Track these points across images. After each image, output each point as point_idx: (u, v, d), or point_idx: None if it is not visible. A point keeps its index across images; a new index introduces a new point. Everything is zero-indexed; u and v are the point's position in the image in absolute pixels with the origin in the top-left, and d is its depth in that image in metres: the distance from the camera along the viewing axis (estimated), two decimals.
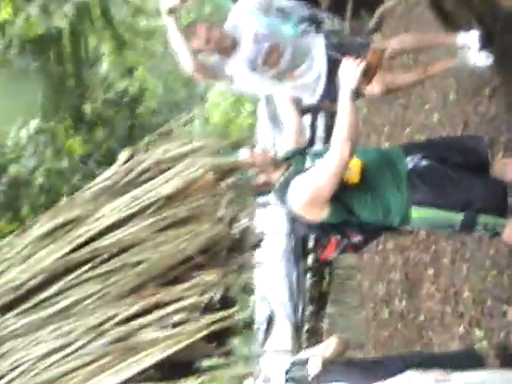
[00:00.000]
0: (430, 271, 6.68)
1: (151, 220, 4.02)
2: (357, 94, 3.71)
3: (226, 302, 3.82)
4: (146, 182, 4.28)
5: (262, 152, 3.97)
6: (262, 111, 11.53)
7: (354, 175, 3.82)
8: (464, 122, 6.12)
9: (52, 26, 4.73)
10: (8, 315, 3.79)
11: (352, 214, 3.89)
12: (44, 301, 3.82)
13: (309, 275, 11.17)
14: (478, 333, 5.43)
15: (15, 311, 3.81)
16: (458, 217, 3.82)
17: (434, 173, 3.92)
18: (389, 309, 7.70)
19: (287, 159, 4.12)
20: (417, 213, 3.86)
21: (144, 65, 14.79)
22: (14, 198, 11.06)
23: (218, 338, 3.72)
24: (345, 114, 3.62)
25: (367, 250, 8.40)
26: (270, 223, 9.44)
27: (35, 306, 3.81)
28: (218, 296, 3.72)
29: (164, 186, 4.17)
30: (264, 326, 10.97)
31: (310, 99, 4.80)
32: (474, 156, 4.10)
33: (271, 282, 10.88)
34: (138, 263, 3.87)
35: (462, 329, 5.74)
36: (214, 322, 3.56)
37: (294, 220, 4.06)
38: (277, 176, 3.97)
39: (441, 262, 6.44)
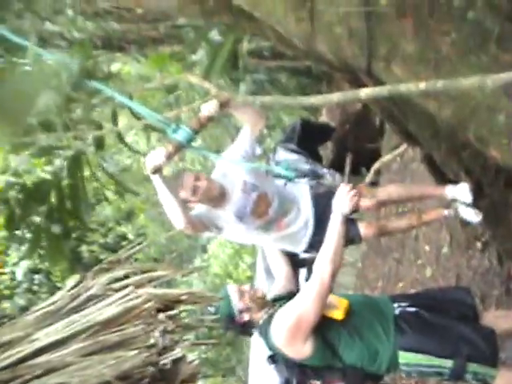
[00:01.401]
0: None
1: (81, 345, 4.02)
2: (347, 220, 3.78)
3: None
4: (90, 307, 4.29)
5: (250, 289, 3.95)
6: (259, 263, 11.54)
7: (339, 311, 3.81)
8: (457, 276, 6.12)
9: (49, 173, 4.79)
10: None
11: (336, 357, 3.81)
12: None
13: None
14: None
15: None
16: (447, 364, 3.75)
17: (421, 319, 3.89)
18: None
19: (275, 300, 4.09)
20: (404, 358, 3.80)
21: (146, 213, 14.94)
22: None
23: None
24: (332, 238, 3.68)
25: None
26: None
27: None
28: None
29: (102, 311, 4.17)
30: None
31: (297, 249, 4.78)
32: (463, 307, 4.08)
33: None
34: None
35: None
36: None
37: (276, 361, 3.95)
38: (260, 316, 3.94)
39: None
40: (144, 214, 14.98)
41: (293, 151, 9.40)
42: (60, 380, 3.82)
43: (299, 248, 4.71)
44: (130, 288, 4.20)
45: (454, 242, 6.30)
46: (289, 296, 4.13)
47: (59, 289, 12.59)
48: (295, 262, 9.26)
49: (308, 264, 9.93)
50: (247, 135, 4.49)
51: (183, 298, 4.26)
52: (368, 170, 9.49)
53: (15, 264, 11.66)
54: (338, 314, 3.81)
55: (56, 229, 4.98)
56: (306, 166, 11.32)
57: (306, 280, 11.08)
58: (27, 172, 5.21)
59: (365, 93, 3.02)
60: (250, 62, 8.66)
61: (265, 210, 4.49)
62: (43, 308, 4.31)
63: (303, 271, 11.21)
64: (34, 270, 11.85)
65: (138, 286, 4.27)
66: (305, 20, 3.87)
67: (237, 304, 3.90)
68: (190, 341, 4.11)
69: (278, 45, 4.59)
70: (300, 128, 10.37)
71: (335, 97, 3.48)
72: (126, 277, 4.42)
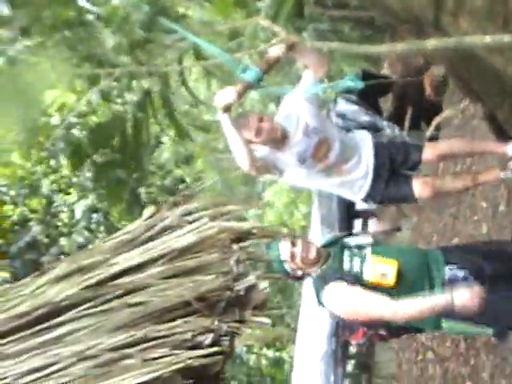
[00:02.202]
0: None
1: (160, 269, 4.25)
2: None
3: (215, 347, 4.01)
4: (165, 236, 4.51)
5: (302, 251, 4.04)
6: (315, 213, 11.60)
7: (390, 279, 3.87)
8: None
9: (116, 113, 4.86)
10: (6, 339, 4.06)
11: None
12: (41, 330, 4.18)
13: (347, 382, 10.96)
14: None
15: (14, 336, 4.15)
16: (488, 330, 3.90)
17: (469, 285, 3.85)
18: None
19: (325, 246, 4.18)
20: (447, 325, 3.90)
21: (204, 158, 15.05)
22: None
23: (199, 379, 3.95)
24: (423, 306, 3.63)
25: (406, 360, 8.26)
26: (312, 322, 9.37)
27: (33, 333, 4.16)
28: (208, 341, 4.00)
29: (178, 240, 4.38)
30: None
31: (355, 197, 4.79)
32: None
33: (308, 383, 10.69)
34: (137, 304, 4.18)
35: None
36: (190, 359, 3.84)
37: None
38: (313, 270, 4.08)
39: (480, 376, 6.29)
40: (202, 159, 15.10)
41: (353, 102, 9.35)
42: (141, 299, 4.09)
43: (358, 196, 4.73)
44: (205, 220, 4.38)
45: (511, 200, 6.27)
46: (338, 241, 4.21)
47: (117, 229, 12.91)
48: (350, 213, 9.33)
49: (363, 216, 10.00)
50: (309, 78, 4.50)
51: (254, 231, 4.41)
52: (428, 124, 9.45)
53: (74, 203, 11.92)
54: (389, 282, 3.87)
55: (118, 173, 5.10)
56: (365, 118, 11.26)
57: (362, 228, 11.15)
58: (92, 112, 5.31)
59: (431, 44, 3.03)
60: (315, 10, 8.60)
61: (325, 155, 4.50)
62: (119, 236, 4.52)
63: (358, 222, 11.28)
64: (92, 209, 12.09)
65: (212, 218, 4.45)
66: None
67: (288, 265, 4.06)
68: (260, 271, 4.29)
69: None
70: (361, 79, 10.33)
71: (401, 46, 3.50)
72: (199, 210, 4.58)
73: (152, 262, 4.32)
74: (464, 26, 3.99)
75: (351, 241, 4.18)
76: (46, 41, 3.96)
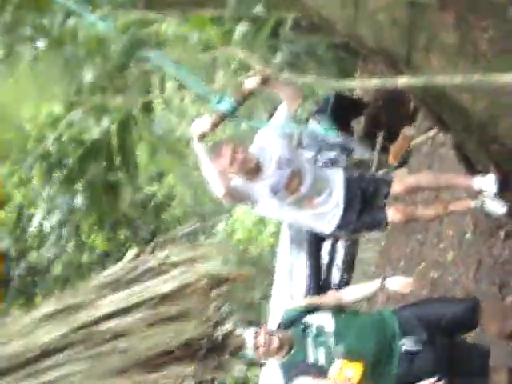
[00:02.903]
0: None
1: (144, 314, 4.40)
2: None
3: None
4: (147, 280, 4.66)
5: (265, 342, 4.16)
6: (285, 232, 11.66)
7: (354, 380, 4.03)
8: (478, 262, 6.19)
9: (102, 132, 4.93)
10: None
11: None
12: (35, 372, 4.25)
13: None
14: None
15: (7, 378, 4.19)
16: None
17: (422, 361, 4.13)
18: None
19: (287, 324, 4.34)
20: None
21: (175, 173, 15.07)
22: (30, 284, 11.20)
23: None
24: None
25: None
26: None
27: (26, 376, 4.23)
28: None
29: (161, 286, 4.53)
30: None
31: (326, 228, 4.86)
32: (463, 327, 4.48)
33: None
34: (125, 350, 4.30)
35: None
36: None
37: None
38: (279, 356, 4.21)
39: None
40: (173, 173, 15.12)
41: (325, 128, 9.49)
42: (128, 345, 4.23)
43: (328, 228, 4.81)
44: (185, 266, 4.54)
45: (477, 229, 6.37)
46: (301, 318, 4.35)
47: (85, 243, 12.89)
48: (319, 235, 9.39)
49: (332, 237, 10.06)
50: (284, 112, 4.58)
51: (232, 276, 4.59)
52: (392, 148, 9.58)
53: (44, 218, 11.86)
54: (352, 382, 4.02)
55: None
56: (337, 139, 11.41)
57: (330, 253, 11.21)
58: (83, 130, 5.35)
59: (402, 82, 3.12)
60: (290, 33, 8.69)
61: (297, 187, 4.58)
62: (103, 277, 4.67)
63: (327, 244, 11.34)
64: (61, 223, 12.04)
65: (190, 262, 4.62)
66: (349, 6, 3.96)
67: (252, 353, 4.18)
68: (237, 317, 4.48)
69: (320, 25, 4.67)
70: (334, 101, 10.42)
71: (373, 83, 3.61)
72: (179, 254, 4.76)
73: (135, 306, 4.45)
74: (435, 62, 4.10)
75: (313, 321, 4.27)
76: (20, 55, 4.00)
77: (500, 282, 5.71)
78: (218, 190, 4.37)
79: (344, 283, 11.41)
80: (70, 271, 11.17)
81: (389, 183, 4.80)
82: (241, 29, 6.52)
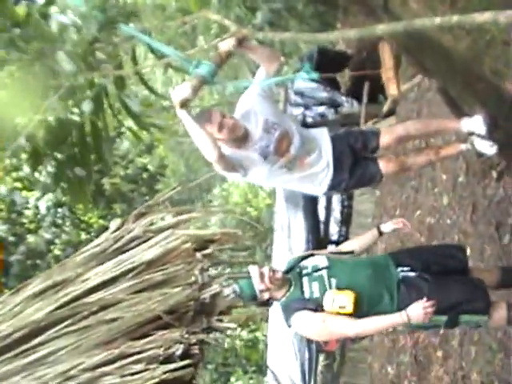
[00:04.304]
0: (439, 353, 6.68)
1: (130, 283, 4.45)
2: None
3: (187, 358, 4.30)
4: (132, 248, 4.69)
5: (269, 271, 4.18)
6: (280, 192, 11.68)
7: (348, 309, 4.08)
8: (473, 204, 6.21)
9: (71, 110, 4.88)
10: None
11: None
12: (25, 351, 4.36)
13: (321, 357, 11.11)
14: None
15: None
16: (442, 319, 4.21)
17: (422, 283, 4.24)
18: None
19: (286, 272, 4.36)
20: None
21: (165, 144, 15.01)
22: (29, 268, 11.20)
23: None
24: (382, 323, 4.08)
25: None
26: None
27: (16, 355, 4.35)
28: (179, 352, 4.27)
29: (145, 253, 4.57)
30: None
31: (318, 190, 4.82)
32: (454, 262, 4.49)
33: (283, 361, 10.82)
34: (112, 320, 4.40)
35: None
36: (166, 373, 4.14)
37: None
38: (279, 294, 4.25)
39: (449, 344, 6.44)
40: (163, 145, 15.07)
41: (311, 79, 9.40)
42: (115, 315, 4.28)
43: (320, 189, 4.75)
44: (169, 230, 4.54)
45: (470, 171, 6.37)
46: (298, 263, 4.41)
47: (82, 222, 12.91)
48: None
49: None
50: (262, 75, 4.51)
51: (217, 237, 4.58)
52: (385, 97, 9.55)
53: (38, 199, 11.85)
54: (348, 311, 4.07)
55: (78, 170, 5.11)
56: (324, 94, 11.38)
57: (326, 208, 11.23)
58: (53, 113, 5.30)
59: (381, 29, 3.07)
60: None
61: (287, 149, 4.52)
62: (89, 250, 4.66)
63: (322, 200, 11.34)
64: (57, 204, 12.03)
65: (175, 227, 4.62)
66: None
67: (258, 285, 4.17)
68: (225, 276, 4.52)
69: None
70: (317, 56, 10.37)
71: (351, 33, 3.52)
72: (163, 219, 4.77)
73: (121, 276, 4.48)
74: (413, 6, 4.05)
75: (308, 263, 4.36)
76: None
77: (496, 222, 5.73)
78: (209, 154, 4.27)
79: (343, 237, 11.47)
80: (70, 251, 11.15)
81: (377, 134, 4.75)
82: None
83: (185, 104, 4.03)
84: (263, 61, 4.44)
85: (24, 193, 11.88)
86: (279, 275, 4.20)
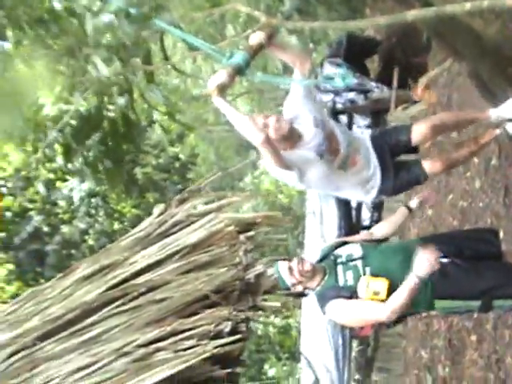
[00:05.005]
0: (473, 337, 6.68)
1: (176, 265, 4.62)
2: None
3: (235, 335, 4.55)
4: (175, 232, 4.86)
5: (298, 264, 4.21)
6: None
7: (382, 295, 4.09)
8: (505, 188, 6.19)
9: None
10: (46, 342, 4.42)
11: None
12: (79, 330, 4.62)
13: (355, 343, 11.12)
14: None
15: (53, 338, 4.57)
16: (476, 304, 4.23)
17: (454, 269, 4.27)
18: (432, 376, 7.66)
19: (321, 260, 4.42)
20: (439, 304, 4.25)
21: (196, 132, 15.06)
22: (65, 258, 11.35)
23: (224, 362, 4.49)
24: (403, 294, 3.95)
25: (411, 317, 8.39)
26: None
27: (71, 334, 4.61)
28: (227, 329, 4.52)
29: (190, 236, 4.73)
30: None
31: (367, 197, 4.71)
32: (487, 246, 4.51)
33: (317, 348, 10.85)
34: (161, 300, 4.62)
35: None
36: (216, 348, 4.41)
37: None
38: (313, 285, 4.29)
39: (484, 328, 6.44)
40: (194, 133, 15.12)
41: (340, 65, 9.38)
42: (164, 295, 4.52)
43: (370, 196, 4.65)
44: (212, 214, 4.70)
45: (502, 154, 6.34)
46: (332, 252, 4.43)
47: (115, 211, 13.02)
48: None
49: None
50: (299, 77, 4.45)
51: (258, 220, 4.73)
52: (416, 82, 9.50)
53: (72, 189, 11.96)
54: (382, 297, 4.08)
55: (113, 157, 5.20)
56: (354, 80, 11.33)
57: (356, 209, 11.21)
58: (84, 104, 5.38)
59: (412, 14, 3.08)
60: None
61: (337, 147, 4.47)
62: (133, 234, 4.87)
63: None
64: (90, 194, 12.13)
65: (217, 211, 4.78)
66: None
67: (288, 280, 4.23)
68: (268, 258, 4.68)
69: None
70: (346, 42, 10.33)
71: (382, 20, 3.57)
72: (205, 204, 4.97)
73: (168, 258, 4.66)
74: None
75: (342, 252, 4.38)
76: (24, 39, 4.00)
77: None
78: (254, 138, 4.09)
79: (374, 223, 11.44)
80: (103, 241, 11.28)
81: (408, 128, 4.70)
82: None
83: (222, 90, 3.97)
84: (294, 62, 4.39)
85: (58, 183, 12.00)
86: (308, 266, 4.22)
